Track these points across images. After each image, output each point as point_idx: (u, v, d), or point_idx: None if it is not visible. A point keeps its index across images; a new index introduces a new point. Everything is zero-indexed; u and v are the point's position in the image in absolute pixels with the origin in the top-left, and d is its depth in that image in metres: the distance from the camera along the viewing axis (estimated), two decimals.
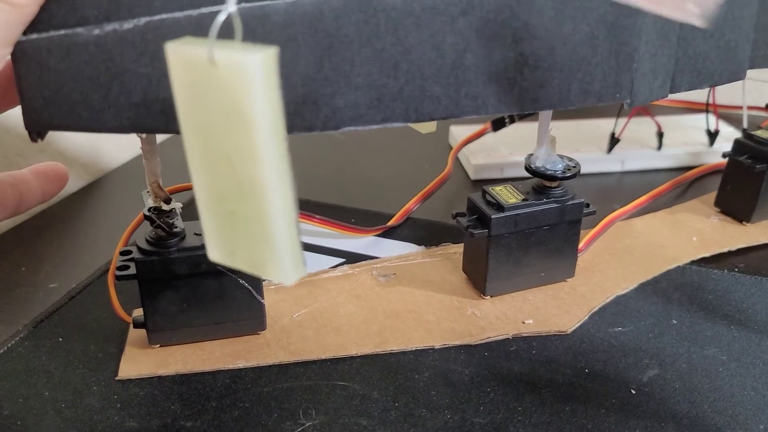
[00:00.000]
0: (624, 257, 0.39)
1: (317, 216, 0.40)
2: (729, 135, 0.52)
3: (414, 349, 0.32)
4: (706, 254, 0.39)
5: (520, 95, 0.26)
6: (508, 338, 0.32)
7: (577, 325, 0.33)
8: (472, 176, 0.50)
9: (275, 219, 0.18)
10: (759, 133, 0.41)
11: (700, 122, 0.53)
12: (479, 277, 0.35)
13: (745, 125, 0.50)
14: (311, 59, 0.24)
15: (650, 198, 0.45)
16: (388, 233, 0.42)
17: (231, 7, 0.18)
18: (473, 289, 0.36)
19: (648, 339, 0.32)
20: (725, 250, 0.40)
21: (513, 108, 0.27)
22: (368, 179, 0.51)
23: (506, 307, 0.34)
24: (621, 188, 0.49)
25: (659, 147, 0.51)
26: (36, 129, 0.24)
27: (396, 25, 0.24)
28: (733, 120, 0.56)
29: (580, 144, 0.52)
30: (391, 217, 0.43)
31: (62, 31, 0.22)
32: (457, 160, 0.52)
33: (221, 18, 0.18)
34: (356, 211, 0.44)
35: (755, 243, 0.40)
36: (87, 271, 0.37)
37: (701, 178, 0.49)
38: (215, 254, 0.21)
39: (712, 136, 0.51)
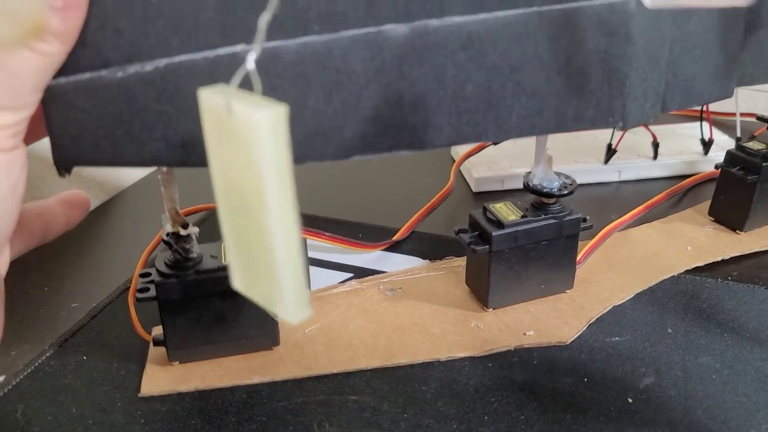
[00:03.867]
0: (621, 267, 0.40)
1: (326, 233, 0.41)
2: (723, 143, 0.53)
3: (421, 361, 0.33)
4: (701, 263, 0.41)
5: (518, 122, 0.28)
6: (511, 349, 0.34)
7: (576, 336, 0.35)
8: (474, 189, 0.51)
9: (279, 263, 0.20)
10: (750, 144, 0.43)
11: (694, 131, 0.55)
12: (482, 291, 0.37)
13: (738, 134, 0.52)
14: (321, 94, 0.25)
15: (646, 208, 0.46)
16: (394, 247, 0.43)
17: (250, 65, 0.19)
18: (476, 301, 0.37)
19: (644, 348, 0.34)
20: (719, 258, 0.41)
21: (512, 134, 0.28)
22: (374, 194, 0.52)
23: (508, 319, 0.36)
24: (618, 198, 0.50)
25: (655, 157, 0.52)
26: (64, 165, 0.25)
27: (400, 60, 0.26)
28: (727, 127, 0.58)
29: (578, 155, 0.53)
30: (397, 231, 0.44)
31: (87, 74, 0.24)
32: (459, 173, 0.54)
33: (239, 76, 0.19)
34: (363, 226, 0.46)
35: (748, 251, 0.42)
36: (107, 289, 0.39)
37: (696, 186, 0.51)
38: (237, 283, 0.22)
39: (707, 145, 0.52)
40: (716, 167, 0.44)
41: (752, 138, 0.45)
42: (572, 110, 0.28)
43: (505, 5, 0.26)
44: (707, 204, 0.46)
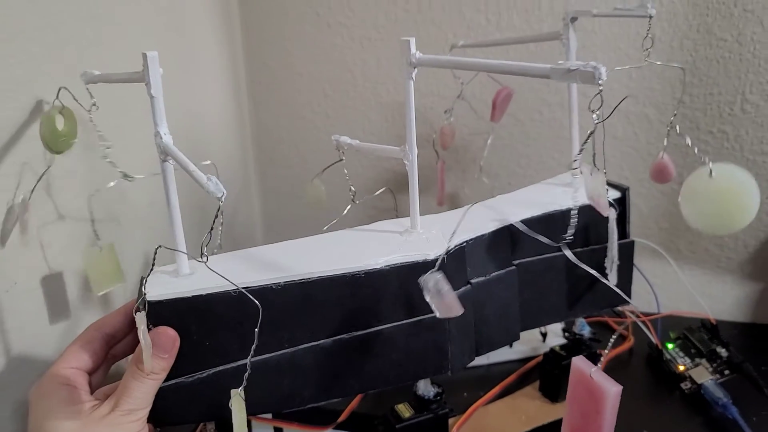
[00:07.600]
0: None
1: (293, 421, 0.65)
2: (556, 330, 0.80)
3: None
4: (528, 429, 0.65)
5: (392, 377, 0.53)
6: None
7: None
8: None
9: None
10: (558, 347, 0.69)
11: None
12: None
13: (563, 325, 0.78)
14: (289, 378, 0.50)
15: (501, 387, 0.71)
16: (341, 425, 0.67)
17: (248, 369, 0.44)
18: None
19: None
20: (540, 424, 0.66)
21: (389, 385, 0.53)
22: None
23: None
24: (486, 376, 0.75)
25: (510, 345, 0.78)
26: (156, 424, 0.49)
27: (330, 356, 0.51)
28: None
29: None
30: (341, 413, 0.68)
31: (172, 381, 0.48)
32: None
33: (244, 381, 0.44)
34: (318, 408, 0.69)
35: (560, 416, 0.67)
36: None
37: (536, 367, 0.76)
38: None
39: (543, 335, 0.79)
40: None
41: (568, 332, 0.71)
42: (419, 369, 0.54)
43: (381, 323, 0.52)
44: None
